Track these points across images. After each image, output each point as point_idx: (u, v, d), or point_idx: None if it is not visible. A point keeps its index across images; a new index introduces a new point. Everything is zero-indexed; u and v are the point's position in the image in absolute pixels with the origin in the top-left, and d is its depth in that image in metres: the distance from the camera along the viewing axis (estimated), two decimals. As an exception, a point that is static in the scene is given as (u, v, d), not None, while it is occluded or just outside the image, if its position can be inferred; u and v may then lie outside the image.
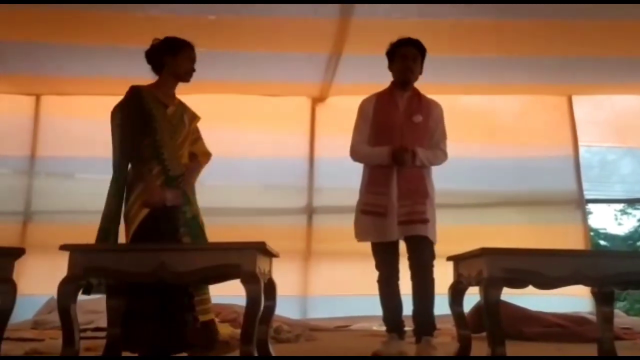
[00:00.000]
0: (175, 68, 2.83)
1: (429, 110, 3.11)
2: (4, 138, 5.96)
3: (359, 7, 4.25)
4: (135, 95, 2.77)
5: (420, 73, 3.15)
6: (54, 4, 4.18)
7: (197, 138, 3.00)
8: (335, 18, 4.44)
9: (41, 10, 4.27)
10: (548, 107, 6.22)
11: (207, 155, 3.02)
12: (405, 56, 3.07)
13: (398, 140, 3.03)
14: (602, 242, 11.20)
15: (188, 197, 2.81)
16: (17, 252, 2.32)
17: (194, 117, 2.99)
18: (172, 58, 2.82)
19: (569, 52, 5.14)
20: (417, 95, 3.15)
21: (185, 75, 2.87)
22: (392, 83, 3.17)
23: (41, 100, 6.06)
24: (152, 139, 2.74)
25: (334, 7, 4.29)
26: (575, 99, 6.20)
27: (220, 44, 4.86)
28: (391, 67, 3.15)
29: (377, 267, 3.08)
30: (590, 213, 7.05)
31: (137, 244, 2.60)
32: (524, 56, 5.21)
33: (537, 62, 5.29)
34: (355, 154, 3.17)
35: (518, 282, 2.35)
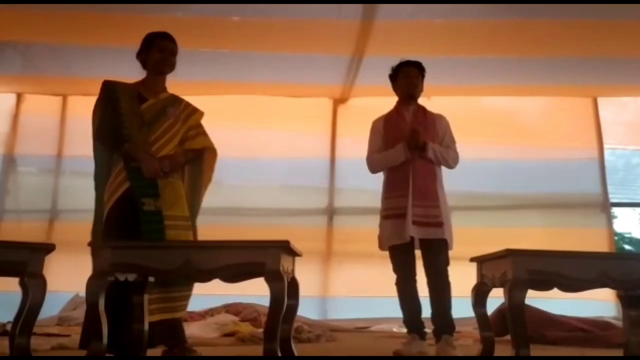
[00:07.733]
0: (149, 62, 2.84)
1: (434, 120, 3.27)
2: (32, 137, 6.08)
3: (382, 9, 4.26)
4: (104, 88, 2.81)
5: (422, 91, 3.33)
6: (81, 5, 4.26)
7: (198, 134, 2.93)
8: (357, 19, 4.45)
9: (68, 12, 4.36)
10: (573, 109, 6.14)
11: (211, 150, 2.93)
12: (409, 74, 3.28)
13: None
14: (626, 247, 11.00)
15: (155, 190, 2.69)
16: (48, 248, 2.38)
17: (193, 112, 2.93)
18: (146, 54, 2.85)
19: (594, 53, 5.07)
20: (422, 109, 3.33)
21: (156, 65, 2.82)
22: (398, 102, 3.35)
23: (68, 101, 6.16)
24: (121, 131, 2.72)
25: (357, 8, 4.30)
26: (601, 101, 6.12)
27: (244, 45, 4.88)
28: (395, 86, 3.34)
29: (395, 269, 3.16)
30: (615, 217, 6.92)
31: (164, 241, 2.63)
32: (549, 57, 5.15)
33: (562, 63, 5.23)
34: (370, 163, 3.31)
35: (543, 284, 2.33)
